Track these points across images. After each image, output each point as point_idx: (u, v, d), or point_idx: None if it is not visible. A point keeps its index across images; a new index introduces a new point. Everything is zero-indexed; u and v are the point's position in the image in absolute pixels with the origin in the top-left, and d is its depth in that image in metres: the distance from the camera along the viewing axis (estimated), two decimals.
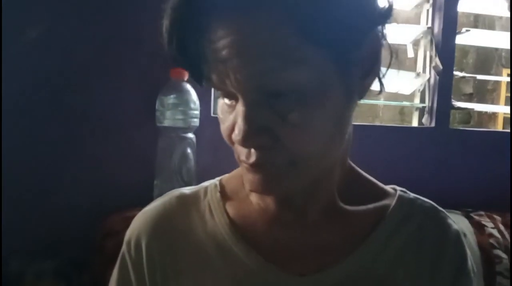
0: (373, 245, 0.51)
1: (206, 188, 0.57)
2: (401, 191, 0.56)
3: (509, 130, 1.47)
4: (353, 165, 0.55)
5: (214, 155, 1.13)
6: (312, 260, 0.50)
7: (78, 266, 1.15)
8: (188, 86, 1.11)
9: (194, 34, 0.42)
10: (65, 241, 1.15)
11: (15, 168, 1.14)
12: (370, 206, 0.53)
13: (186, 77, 1.11)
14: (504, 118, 3.05)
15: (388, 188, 0.57)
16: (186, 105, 1.08)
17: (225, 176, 0.59)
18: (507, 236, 1.14)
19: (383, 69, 0.49)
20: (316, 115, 0.43)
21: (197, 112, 1.11)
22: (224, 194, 0.55)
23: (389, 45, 0.48)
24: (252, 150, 0.44)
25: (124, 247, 0.56)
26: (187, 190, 0.58)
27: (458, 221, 1.16)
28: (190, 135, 1.12)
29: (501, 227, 1.16)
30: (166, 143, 1.10)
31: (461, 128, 1.69)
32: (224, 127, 0.46)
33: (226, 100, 0.46)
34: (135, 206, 0.59)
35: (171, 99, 1.08)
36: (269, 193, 0.49)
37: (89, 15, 1.16)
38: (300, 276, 0.49)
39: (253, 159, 0.44)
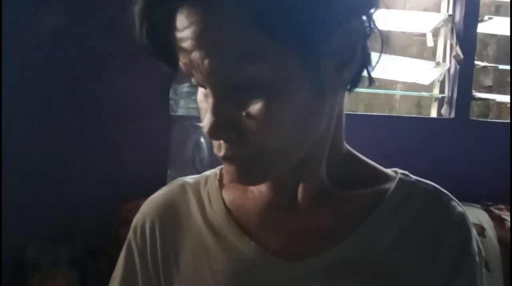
0: (369, 229, 0.50)
1: (207, 177, 0.57)
2: (402, 174, 0.54)
3: None
4: (351, 149, 0.54)
5: None
6: (304, 245, 0.50)
7: (93, 253, 1.16)
8: None
9: (163, 20, 0.42)
10: (80, 228, 1.16)
11: (32, 156, 1.15)
12: (368, 189, 0.52)
13: None
14: None
15: (389, 171, 0.55)
16: None
17: None
18: None
19: (377, 58, 0.47)
20: (279, 109, 0.42)
21: None
22: (222, 182, 0.56)
23: (380, 32, 0.46)
24: (222, 142, 0.45)
25: (130, 234, 0.57)
26: (190, 178, 0.59)
27: (477, 215, 1.15)
28: None
29: None
30: (179, 132, 1.10)
31: (481, 119, 1.66)
32: (202, 117, 0.46)
33: (202, 89, 0.46)
34: (149, 195, 0.59)
35: (185, 87, 1.07)
36: (244, 184, 0.50)
37: (103, 3, 1.15)
38: (292, 261, 0.49)
39: (222, 151, 0.45)
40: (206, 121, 0.43)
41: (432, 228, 0.51)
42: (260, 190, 0.53)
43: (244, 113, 0.43)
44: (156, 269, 0.54)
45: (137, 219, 0.57)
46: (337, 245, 0.49)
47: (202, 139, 1.11)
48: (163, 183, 1.08)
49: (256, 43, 0.40)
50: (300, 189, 0.52)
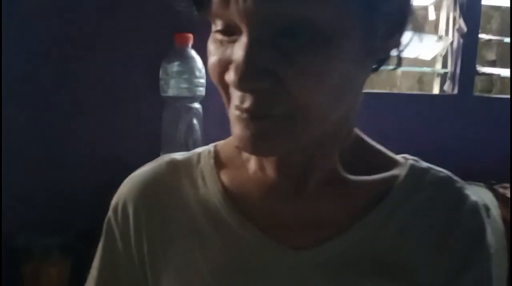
0: (377, 218, 0.47)
1: (199, 154, 0.52)
2: (413, 160, 0.51)
3: None
4: (360, 133, 0.51)
5: (222, 126, 1.06)
6: (309, 233, 0.46)
7: (85, 240, 1.13)
8: (193, 53, 1.05)
9: None
10: (72, 215, 1.14)
11: (21, 140, 1.12)
12: (377, 176, 0.49)
13: (190, 42, 1.05)
14: None
15: (399, 157, 0.52)
16: (191, 73, 1.03)
17: (220, 142, 0.54)
18: None
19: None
20: (328, 63, 0.38)
21: (202, 80, 1.06)
22: (219, 161, 0.51)
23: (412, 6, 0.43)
24: (249, 95, 0.39)
25: (110, 213, 0.52)
26: (179, 155, 0.53)
27: (481, 194, 1.11)
28: (196, 105, 1.08)
29: None
30: (171, 114, 1.06)
31: (485, 95, 1.61)
32: (214, 62, 0.41)
33: (220, 36, 0.40)
34: None
35: (175, 67, 1.03)
36: (261, 152, 0.43)
37: None
38: (296, 249, 0.46)
39: (248, 103, 0.39)
40: (235, 69, 0.37)
41: (443, 217, 0.47)
42: (264, 171, 0.48)
43: (285, 62, 0.38)
44: (140, 254, 0.49)
45: (117, 198, 0.52)
46: (344, 235, 0.46)
47: (194, 121, 1.07)
48: None
49: None
50: (309, 173, 0.47)
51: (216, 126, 1.14)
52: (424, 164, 0.51)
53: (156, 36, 1.11)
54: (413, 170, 0.49)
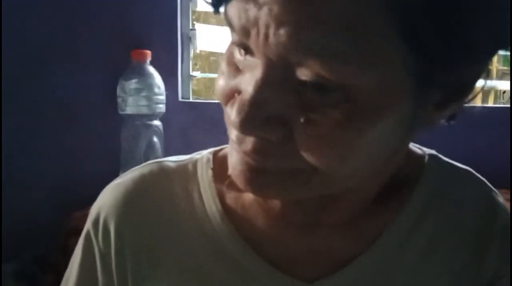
0: (398, 232, 0.41)
1: (195, 162, 0.44)
2: (431, 155, 0.44)
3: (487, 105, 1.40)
4: None
5: (184, 143, 1.06)
6: (322, 264, 0.40)
7: (41, 266, 1.08)
8: (151, 69, 1.03)
9: None
10: (27, 240, 1.08)
11: None
12: (397, 192, 0.42)
13: (148, 58, 1.03)
14: (483, 92, 3.01)
15: (414, 149, 0.44)
16: (150, 90, 1.00)
17: (224, 148, 0.45)
18: None
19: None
20: (357, 134, 0.30)
21: (162, 97, 1.04)
22: (219, 173, 0.42)
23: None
24: (253, 140, 0.32)
25: (89, 227, 0.43)
26: (171, 161, 0.44)
27: None
28: (156, 122, 1.05)
29: None
30: (130, 132, 1.02)
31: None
32: (221, 86, 0.34)
33: (236, 52, 0.33)
34: None
35: (132, 84, 1.00)
36: (258, 192, 0.36)
37: None
38: (309, 282, 0.40)
39: (249, 146, 0.32)
40: (239, 107, 0.30)
41: (475, 223, 0.42)
42: (268, 202, 0.41)
43: (302, 115, 0.30)
44: (122, 277, 0.42)
45: (98, 210, 0.43)
46: (361, 259, 0.40)
47: (155, 139, 1.04)
48: None
49: (377, 34, 0.28)
50: (329, 207, 0.40)
51: (179, 144, 1.12)
52: (444, 159, 0.44)
53: (112, 53, 1.07)
54: (432, 170, 0.43)
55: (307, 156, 0.31)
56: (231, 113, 0.31)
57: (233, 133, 0.33)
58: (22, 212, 1.09)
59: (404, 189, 0.42)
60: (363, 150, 0.32)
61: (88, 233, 0.43)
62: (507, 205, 0.44)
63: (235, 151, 0.34)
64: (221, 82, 0.34)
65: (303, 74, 0.29)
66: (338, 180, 0.34)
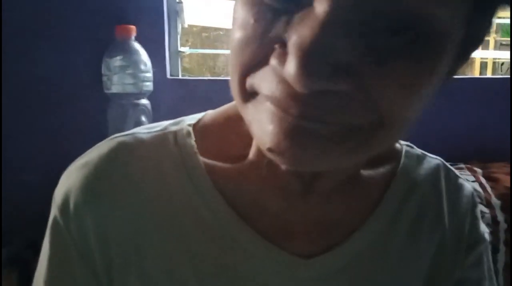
0: (386, 213, 0.42)
1: (174, 133, 0.40)
2: (407, 146, 0.46)
3: (486, 76, 1.38)
4: None
5: None
6: (319, 238, 0.40)
7: (35, 251, 1.07)
8: (137, 45, 0.99)
9: None
10: (19, 223, 1.06)
11: None
12: (382, 167, 0.43)
13: (133, 34, 0.98)
14: (481, 63, 2.99)
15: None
16: (136, 68, 0.96)
17: (206, 116, 0.42)
18: (489, 189, 1.09)
19: None
20: (429, 71, 0.28)
21: (149, 74, 1.00)
22: (201, 146, 0.39)
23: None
24: (309, 98, 0.27)
25: (57, 215, 0.39)
26: (144, 132, 0.40)
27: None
28: (144, 101, 1.02)
29: (482, 180, 1.10)
30: (116, 112, 0.99)
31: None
32: (252, 37, 0.28)
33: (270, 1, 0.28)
34: None
35: (117, 61, 0.96)
36: (299, 164, 0.30)
37: None
38: (306, 258, 0.39)
39: (302, 108, 0.27)
40: (297, 55, 0.25)
41: (449, 209, 0.45)
42: (272, 171, 0.38)
43: (375, 63, 0.26)
44: (106, 268, 0.38)
45: (65, 194, 0.38)
46: (357, 235, 0.40)
47: (143, 118, 1.01)
48: None
49: None
50: (324, 173, 0.38)
51: None
52: (418, 150, 0.47)
53: (95, 29, 1.03)
54: (411, 158, 0.45)
55: (382, 105, 0.28)
56: (281, 69, 0.26)
57: (277, 96, 0.28)
58: (14, 195, 1.07)
59: (389, 172, 0.44)
60: (429, 90, 0.29)
61: (56, 222, 0.39)
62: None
63: (280, 119, 0.28)
64: (248, 33, 0.28)
65: (378, 16, 0.26)
66: (397, 134, 0.32)
